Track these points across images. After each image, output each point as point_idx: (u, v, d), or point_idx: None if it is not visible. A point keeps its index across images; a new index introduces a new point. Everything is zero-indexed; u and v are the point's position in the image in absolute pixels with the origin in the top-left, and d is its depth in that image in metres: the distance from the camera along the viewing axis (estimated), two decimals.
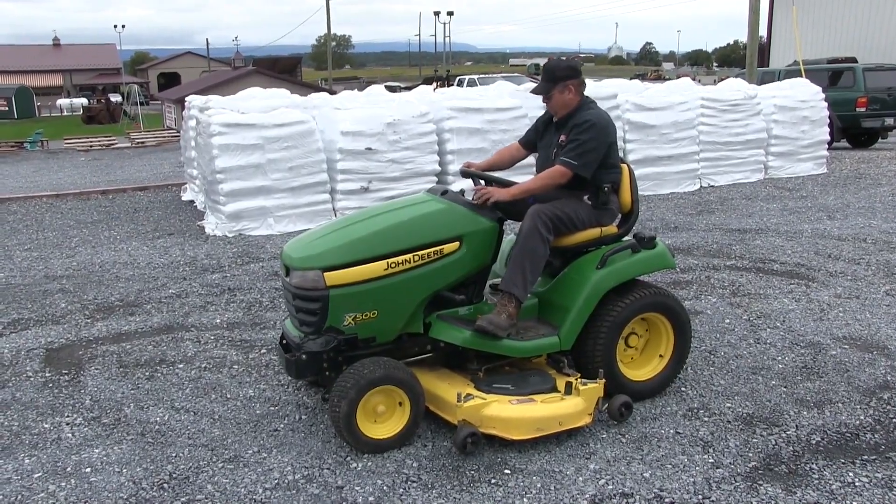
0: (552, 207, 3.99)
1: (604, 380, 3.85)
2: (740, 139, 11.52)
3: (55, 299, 6.37)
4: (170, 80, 68.38)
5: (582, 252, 4.12)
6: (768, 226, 8.52)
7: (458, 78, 36.26)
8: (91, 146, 21.93)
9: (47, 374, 4.78)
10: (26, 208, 10.89)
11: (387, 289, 3.73)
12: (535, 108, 10.28)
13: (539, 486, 3.38)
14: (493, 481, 3.42)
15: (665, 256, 4.21)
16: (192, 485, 3.44)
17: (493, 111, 9.94)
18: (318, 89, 20.75)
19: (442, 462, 3.57)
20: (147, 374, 4.71)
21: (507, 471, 3.50)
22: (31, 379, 4.72)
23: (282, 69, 45.77)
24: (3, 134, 26.43)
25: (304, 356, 3.74)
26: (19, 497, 3.40)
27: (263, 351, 5.07)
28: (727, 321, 5.42)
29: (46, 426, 4.08)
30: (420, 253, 3.79)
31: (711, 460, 3.57)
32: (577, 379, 3.84)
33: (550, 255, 4.04)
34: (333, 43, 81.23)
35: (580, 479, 3.43)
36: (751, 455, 3.61)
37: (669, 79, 28.82)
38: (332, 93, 12.87)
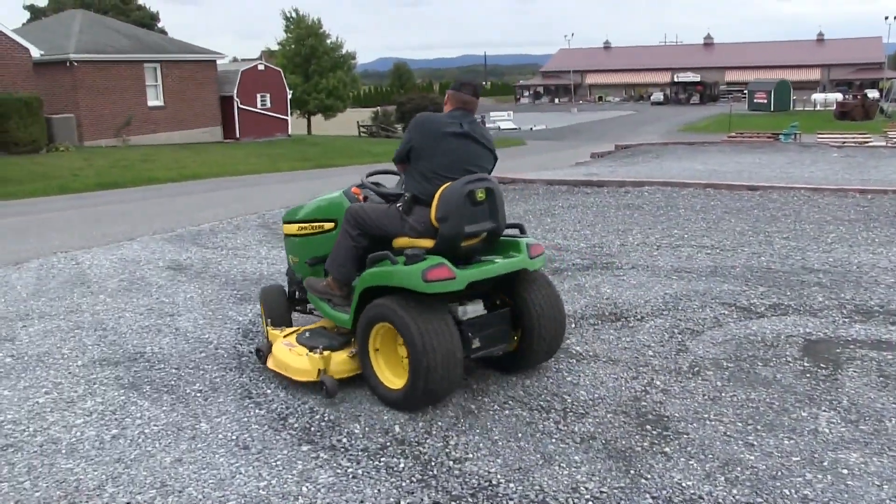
0: (365, 207, 4.47)
1: (320, 355, 4.36)
2: None
3: (812, 291, 6.47)
4: None
5: None
6: None
7: None
8: (844, 142, 21.49)
9: (805, 364, 4.91)
10: (785, 198, 11.32)
11: (298, 243, 5.14)
12: None
13: None
14: None
15: (408, 276, 4.04)
16: None
17: None
18: None
19: None
20: None
21: None
22: (790, 364, 4.91)
23: None
24: (760, 125, 28.20)
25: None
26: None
27: None
28: None
29: (804, 414, 4.20)
30: (311, 224, 5.02)
31: None
32: (322, 347, 4.45)
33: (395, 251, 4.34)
34: None
35: None
36: None
37: None
38: None
